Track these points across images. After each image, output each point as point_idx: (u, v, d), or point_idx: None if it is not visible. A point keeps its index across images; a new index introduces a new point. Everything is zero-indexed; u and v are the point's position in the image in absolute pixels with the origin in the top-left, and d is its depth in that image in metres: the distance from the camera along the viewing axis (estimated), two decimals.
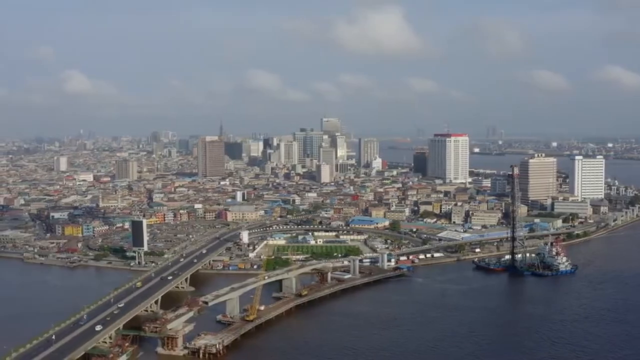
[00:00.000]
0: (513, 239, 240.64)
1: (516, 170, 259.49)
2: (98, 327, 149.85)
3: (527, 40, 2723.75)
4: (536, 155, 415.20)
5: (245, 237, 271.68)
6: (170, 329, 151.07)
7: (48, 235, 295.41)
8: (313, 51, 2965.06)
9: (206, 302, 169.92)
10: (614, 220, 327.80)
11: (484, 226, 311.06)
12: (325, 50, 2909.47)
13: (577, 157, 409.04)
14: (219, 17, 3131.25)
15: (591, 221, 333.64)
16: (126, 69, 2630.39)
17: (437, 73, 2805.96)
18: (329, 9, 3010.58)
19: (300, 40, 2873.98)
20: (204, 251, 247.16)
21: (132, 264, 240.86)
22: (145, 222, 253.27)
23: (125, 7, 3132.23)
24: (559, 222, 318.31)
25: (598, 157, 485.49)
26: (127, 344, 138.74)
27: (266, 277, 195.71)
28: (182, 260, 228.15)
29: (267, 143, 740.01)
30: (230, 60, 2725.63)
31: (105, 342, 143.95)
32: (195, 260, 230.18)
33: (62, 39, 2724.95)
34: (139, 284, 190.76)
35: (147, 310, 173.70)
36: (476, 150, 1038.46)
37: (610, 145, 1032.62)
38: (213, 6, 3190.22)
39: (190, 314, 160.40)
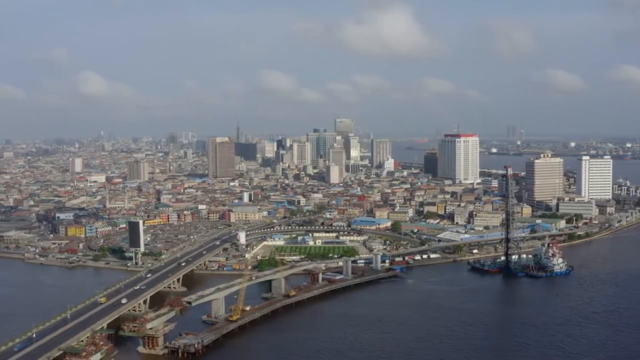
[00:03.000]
0: (507, 240, 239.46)
1: (510, 171, 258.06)
2: (124, 300, 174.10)
3: (538, 39, 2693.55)
4: (542, 155, 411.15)
5: (242, 237, 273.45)
6: (150, 329, 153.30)
7: (51, 235, 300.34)
8: (324, 52, 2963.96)
9: (190, 302, 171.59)
10: (619, 221, 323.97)
11: (486, 227, 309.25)
12: (336, 52, 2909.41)
13: (584, 157, 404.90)
14: (227, 19, 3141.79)
15: (596, 222, 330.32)
16: (140, 70, 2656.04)
17: (451, 73, 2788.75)
18: (336, 10, 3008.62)
19: (310, 42, 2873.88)
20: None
21: (129, 265, 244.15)
22: (141, 222, 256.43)
23: (135, 8, 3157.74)
24: (562, 223, 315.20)
25: (605, 157, 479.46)
26: (101, 343, 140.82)
27: (253, 278, 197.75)
28: (148, 275, 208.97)
29: (280, 144, 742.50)
30: (242, 61, 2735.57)
31: (84, 341, 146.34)
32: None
33: (73, 40, 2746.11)
34: (102, 299, 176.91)
35: (134, 310, 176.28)
36: (494, 150, 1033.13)
37: (628, 145, 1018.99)
38: (220, 8, 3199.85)
39: (172, 313, 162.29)
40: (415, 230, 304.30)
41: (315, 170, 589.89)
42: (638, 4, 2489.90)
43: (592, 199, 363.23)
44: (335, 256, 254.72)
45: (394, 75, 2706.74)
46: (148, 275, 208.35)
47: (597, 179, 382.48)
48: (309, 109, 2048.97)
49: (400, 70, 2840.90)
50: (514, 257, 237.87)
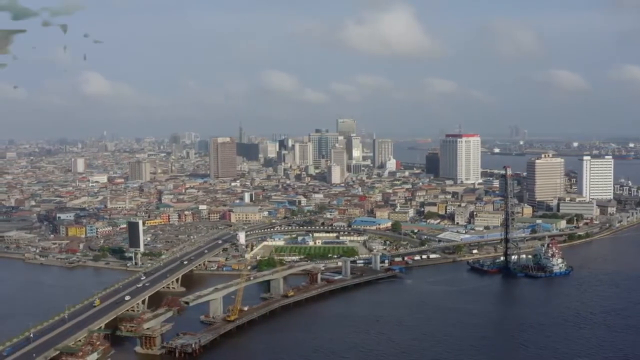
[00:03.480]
0: (507, 240, 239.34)
1: (509, 171, 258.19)
2: (127, 297, 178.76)
3: (539, 39, 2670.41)
4: (543, 155, 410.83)
5: (242, 238, 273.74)
6: (147, 329, 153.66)
7: (52, 235, 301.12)
8: (325, 52, 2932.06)
9: (187, 303, 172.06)
10: (619, 222, 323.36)
11: (486, 227, 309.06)
12: (337, 52, 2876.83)
13: (585, 157, 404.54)
14: (227, 19, 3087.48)
15: (597, 222, 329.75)
16: (140, 70, 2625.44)
17: (453, 73, 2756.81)
18: (336, 10, 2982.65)
19: (311, 42, 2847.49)
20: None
21: (128, 265, 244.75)
22: (141, 223, 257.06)
23: (135, 8, 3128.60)
24: (562, 223, 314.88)
25: (606, 157, 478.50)
26: (98, 343, 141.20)
27: (252, 278, 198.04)
28: (142, 278, 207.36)
29: (282, 144, 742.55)
30: (243, 62, 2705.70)
31: (81, 341, 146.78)
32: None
33: (74, 40, 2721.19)
34: (97, 302, 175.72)
35: (132, 310, 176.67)
36: (497, 150, 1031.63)
37: (631, 145, 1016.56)
38: (220, 8, 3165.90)
39: (169, 313, 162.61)
40: (416, 231, 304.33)
41: (317, 171, 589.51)
42: (635, 3, 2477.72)
43: (593, 199, 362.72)
44: (335, 256, 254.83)
45: (396, 75, 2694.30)
46: (142, 278, 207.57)
47: (598, 179, 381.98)
48: (311, 109, 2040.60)
49: (402, 70, 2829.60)
50: (513, 257, 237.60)
